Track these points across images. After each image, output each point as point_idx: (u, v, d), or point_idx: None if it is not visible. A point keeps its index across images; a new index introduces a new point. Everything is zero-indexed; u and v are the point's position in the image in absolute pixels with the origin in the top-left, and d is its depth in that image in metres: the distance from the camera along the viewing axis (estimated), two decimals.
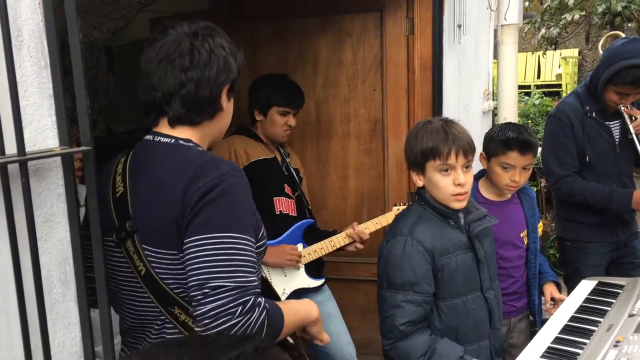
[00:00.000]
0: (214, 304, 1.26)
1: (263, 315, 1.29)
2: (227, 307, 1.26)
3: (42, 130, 1.29)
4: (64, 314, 1.33)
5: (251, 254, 1.34)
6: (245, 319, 1.26)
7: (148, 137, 1.49)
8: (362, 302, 3.18)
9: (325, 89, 3.10)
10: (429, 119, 2.00)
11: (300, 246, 2.64)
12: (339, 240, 2.64)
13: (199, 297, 1.27)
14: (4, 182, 1.18)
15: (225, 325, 1.25)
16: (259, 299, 1.31)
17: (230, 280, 1.27)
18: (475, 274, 1.93)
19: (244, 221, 1.35)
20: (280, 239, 2.60)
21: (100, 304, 1.33)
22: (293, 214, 2.70)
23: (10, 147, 1.21)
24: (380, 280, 1.94)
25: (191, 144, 1.45)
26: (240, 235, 1.32)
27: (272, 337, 1.33)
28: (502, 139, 2.27)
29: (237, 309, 1.26)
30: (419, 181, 1.92)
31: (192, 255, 1.30)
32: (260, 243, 1.43)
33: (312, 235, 2.69)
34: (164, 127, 1.47)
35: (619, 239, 2.92)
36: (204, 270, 1.28)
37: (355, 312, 3.23)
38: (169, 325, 1.43)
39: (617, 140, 2.85)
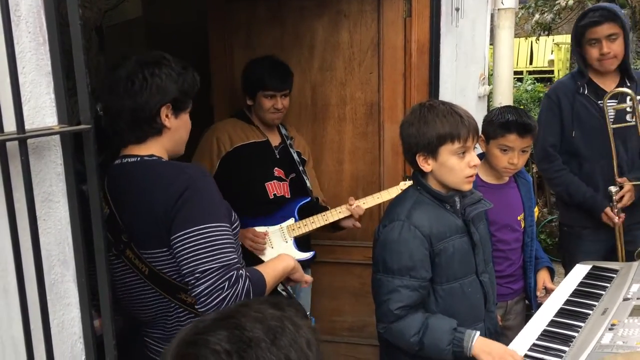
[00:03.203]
0: (205, 284, 1.49)
1: (247, 284, 1.53)
2: (216, 284, 1.49)
3: (41, 108, 1.26)
4: (63, 294, 1.32)
5: (228, 236, 1.57)
6: (232, 290, 1.50)
7: (117, 161, 1.71)
8: (355, 286, 3.19)
9: (322, 71, 3.08)
10: (428, 102, 1.98)
11: (292, 220, 2.65)
12: (332, 215, 2.64)
13: (192, 281, 1.51)
14: (2, 160, 1.16)
15: (218, 299, 1.49)
16: (241, 271, 1.54)
17: (215, 262, 1.51)
18: (471, 257, 1.94)
19: (215, 212, 1.58)
20: (271, 216, 2.61)
21: (100, 281, 1.32)
22: (287, 196, 2.70)
23: (9, 125, 1.19)
24: (376, 264, 1.94)
25: (155, 157, 1.67)
26: (216, 224, 1.55)
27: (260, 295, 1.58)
28: (501, 122, 2.28)
29: (225, 284, 1.50)
30: (427, 166, 1.89)
31: (180, 248, 1.53)
32: (235, 225, 1.69)
33: (310, 212, 2.69)
34: (127, 150, 1.70)
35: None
36: (192, 259, 1.51)
37: (348, 296, 3.24)
38: (180, 310, 1.68)
39: (611, 120, 2.85)
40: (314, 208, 2.77)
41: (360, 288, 3.10)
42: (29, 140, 1.21)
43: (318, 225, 2.63)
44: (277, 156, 2.74)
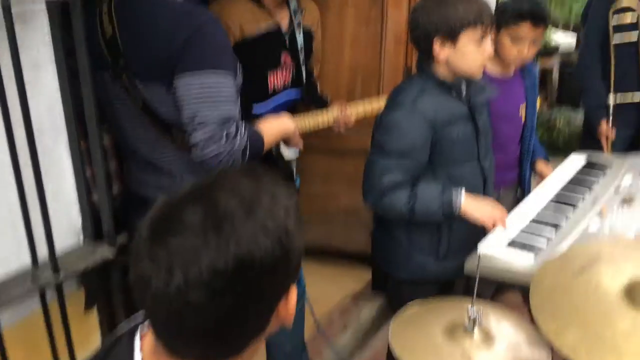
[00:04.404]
0: (203, 134, 1.47)
1: (245, 141, 1.52)
2: (213, 136, 1.47)
3: None
4: (57, 161, 1.31)
5: (232, 88, 1.53)
6: (228, 146, 1.49)
7: None
8: (349, 171, 3.16)
9: None
10: None
11: None
12: (323, 120, 2.48)
13: (190, 128, 1.48)
14: None
15: (213, 152, 1.48)
16: (241, 128, 1.52)
17: (216, 112, 1.48)
18: (474, 143, 1.94)
19: (223, 58, 1.54)
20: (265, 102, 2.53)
21: (93, 151, 1.32)
22: (287, 83, 2.62)
23: None
24: (373, 147, 1.94)
25: None
26: (222, 71, 1.51)
27: (256, 155, 1.58)
28: (515, 9, 2.19)
29: (222, 139, 1.48)
30: (443, 52, 1.83)
31: (183, 92, 1.49)
32: (238, 81, 1.64)
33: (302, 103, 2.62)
34: None
35: None
36: (192, 105, 1.48)
37: (342, 182, 3.22)
38: (167, 146, 1.64)
39: None
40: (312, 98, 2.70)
41: (354, 172, 3.07)
42: (15, 9, 1.15)
43: (308, 126, 2.43)
44: (287, 43, 2.53)
